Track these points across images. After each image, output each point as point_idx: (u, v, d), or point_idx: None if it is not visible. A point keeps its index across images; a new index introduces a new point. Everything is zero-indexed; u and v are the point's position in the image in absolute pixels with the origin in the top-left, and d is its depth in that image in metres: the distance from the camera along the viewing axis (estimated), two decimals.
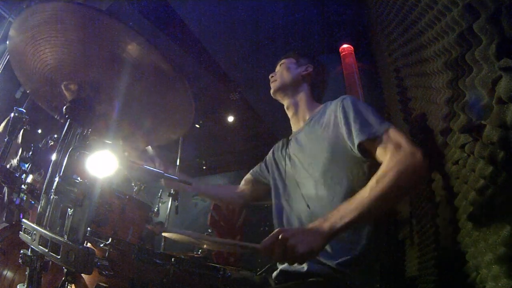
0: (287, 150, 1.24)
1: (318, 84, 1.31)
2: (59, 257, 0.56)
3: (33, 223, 0.65)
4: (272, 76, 1.32)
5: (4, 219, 1.43)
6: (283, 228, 0.76)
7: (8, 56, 2.19)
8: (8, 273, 1.29)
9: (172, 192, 2.63)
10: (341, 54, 3.01)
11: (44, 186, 0.71)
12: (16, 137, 1.46)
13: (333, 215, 0.78)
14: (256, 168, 1.46)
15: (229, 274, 0.92)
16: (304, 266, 0.95)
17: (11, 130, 1.41)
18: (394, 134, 0.90)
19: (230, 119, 4.80)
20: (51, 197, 0.65)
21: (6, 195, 1.45)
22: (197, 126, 4.36)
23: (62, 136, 0.74)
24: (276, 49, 3.38)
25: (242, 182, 1.50)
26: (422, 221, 1.19)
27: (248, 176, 1.49)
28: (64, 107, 0.74)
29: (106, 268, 0.79)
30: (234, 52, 3.67)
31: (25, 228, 0.67)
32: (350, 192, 0.89)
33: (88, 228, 0.92)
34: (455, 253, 0.81)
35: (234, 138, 5.28)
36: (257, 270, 1.17)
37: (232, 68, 3.94)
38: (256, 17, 3.23)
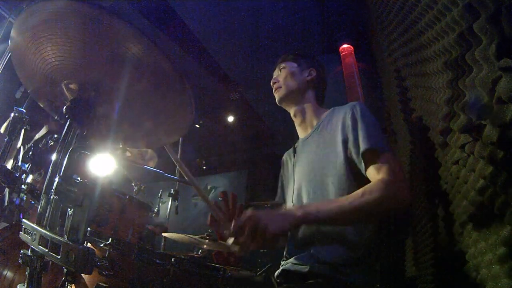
0: (295, 157, 1.25)
1: (321, 88, 1.30)
2: (59, 257, 0.56)
3: (33, 223, 0.65)
4: (275, 83, 1.26)
5: (4, 219, 1.43)
6: (254, 212, 0.80)
7: (8, 56, 2.20)
8: (8, 273, 1.29)
9: (172, 192, 2.63)
10: (341, 54, 3.01)
11: (44, 186, 0.71)
12: (16, 137, 1.46)
13: (311, 205, 0.87)
14: (279, 192, 1.39)
15: (229, 274, 0.92)
16: (306, 266, 0.95)
17: (11, 130, 1.41)
18: (393, 159, 0.93)
19: (230, 119, 4.79)
20: (51, 197, 0.65)
21: (6, 195, 1.45)
22: (197, 126, 4.36)
23: (62, 136, 0.74)
24: (276, 49, 3.38)
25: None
26: (422, 221, 1.19)
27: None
28: (64, 107, 0.74)
29: (106, 268, 0.79)
30: (234, 52, 3.67)
31: (25, 228, 0.67)
32: None
33: (88, 228, 0.92)
34: (455, 253, 0.81)
35: (234, 138, 5.28)
36: (257, 270, 1.17)
37: (232, 68, 3.94)
38: (256, 17, 3.22)
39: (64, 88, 0.80)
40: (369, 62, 2.87)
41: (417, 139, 1.24)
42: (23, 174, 1.43)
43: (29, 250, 0.65)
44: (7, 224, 1.39)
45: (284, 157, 1.37)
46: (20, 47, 0.76)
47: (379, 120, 1.07)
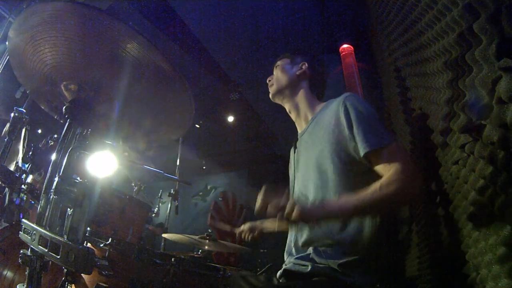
0: (295, 152, 1.25)
1: (316, 81, 1.29)
2: (59, 257, 0.56)
3: (33, 223, 0.65)
4: (269, 80, 1.31)
5: (4, 219, 1.43)
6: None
7: (8, 56, 2.19)
8: (8, 273, 1.29)
9: (172, 192, 2.63)
10: (341, 54, 3.00)
11: (44, 186, 0.71)
12: (16, 137, 1.46)
13: (332, 202, 0.89)
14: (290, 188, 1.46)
15: (229, 274, 0.92)
16: (307, 266, 0.95)
17: (11, 130, 1.41)
18: (398, 148, 0.93)
19: (230, 119, 4.79)
20: (51, 197, 0.65)
21: (7, 195, 1.45)
22: (197, 126, 4.36)
23: (62, 136, 0.74)
24: (276, 49, 3.38)
25: None
26: (422, 221, 1.19)
27: None
28: (64, 107, 0.74)
29: (106, 268, 0.79)
30: (234, 52, 3.67)
31: (25, 228, 0.67)
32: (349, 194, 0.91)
33: (88, 228, 0.92)
34: (455, 253, 0.81)
35: (234, 138, 5.28)
36: (257, 270, 1.17)
37: (232, 68, 3.94)
38: (256, 17, 3.22)
39: (64, 89, 0.80)
40: (369, 62, 2.87)
41: (417, 139, 1.24)
42: (23, 174, 1.43)
43: (29, 250, 0.65)
44: (7, 224, 1.39)
45: (290, 152, 1.38)
46: (19, 48, 0.75)
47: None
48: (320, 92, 1.31)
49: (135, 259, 0.82)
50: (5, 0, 2.75)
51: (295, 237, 1.10)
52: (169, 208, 2.80)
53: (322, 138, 1.08)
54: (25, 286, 0.65)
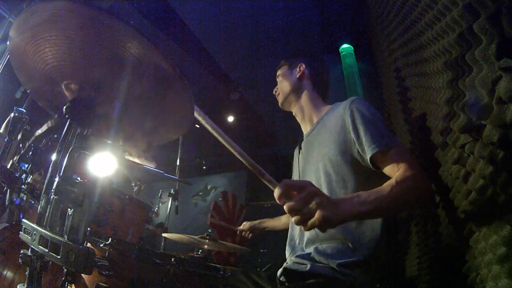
0: (300, 153, 1.25)
1: (317, 79, 1.30)
2: (59, 257, 0.56)
3: (33, 223, 0.65)
4: (275, 91, 1.35)
5: (4, 219, 1.43)
6: (313, 185, 0.70)
7: (8, 56, 2.19)
8: (8, 273, 1.29)
9: (172, 192, 2.63)
10: (341, 54, 3.01)
11: (44, 186, 0.71)
12: (16, 137, 1.46)
13: (352, 200, 0.76)
14: None
15: (229, 274, 0.92)
16: (307, 266, 0.95)
17: (11, 130, 1.41)
18: (405, 152, 0.93)
19: (230, 119, 4.79)
20: (51, 197, 0.65)
21: (7, 195, 1.45)
22: (197, 126, 4.36)
23: (62, 136, 0.74)
24: (276, 49, 3.38)
25: None
26: (422, 221, 1.19)
27: None
28: (64, 107, 0.74)
29: (106, 268, 0.79)
30: (234, 52, 3.67)
31: (25, 228, 0.67)
32: None
33: (88, 228, 0.92)
34: (455, 253, 0.81)
35: (234, 138, 5.27)
36: (257, 270, 1.17)
37: (232, 68, 3.94)
38: (256, 17, 3.22)
39: (64, 88, 0.80)
40: (369, 62, 2.87)
41: (417, 139, 1.24)
42: (23, 174, 1.43)
43: (29, 250, 0.65)
44: (7, 224, 1.39)
45: (294, 153, 1.39)
46: (19, 48, 0.75)
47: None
48: (321, 90, 1.31)
49: (135, 259, 0.82)
50: (5, 0, 2.75)
51: (298, 236, 1.10)
52: (169, 208, 2.80)
53: (327, 141, 1.08)
54: (25, 286, 0.65)
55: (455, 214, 0.83)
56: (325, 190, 1.02)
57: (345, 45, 2.99)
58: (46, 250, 0.58)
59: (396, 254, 1.43)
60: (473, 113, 0.64)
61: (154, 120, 0.95)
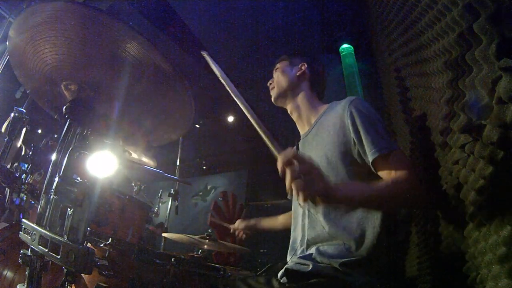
0: None
1: (316, 81, 1.30)
2: (59, 257, 0.56)
3: (33, 223, 0.65)
4: (270, 84, 1.32)
5: (4, 219, 1.43)
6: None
7: (8, 56, 2.19)
8: (8, 273, 1.29)
9: (172, 192, 2.63)
10: (341, 54, 3.01)
11: (44, 186, 0.71)
12: (16, 137, 1.46)
13: (349, 184, 0.83)
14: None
15: (229, 274, 0.92)
16: (308, 266, 0.95)
17: (11, 130, 1.41)
18: (403, 156, 0.94)
19: (230, 119, 4.79)
20: (51, 197, 0.65)
21: (7, 195, 1.45)
22: (197, 126, 4.36)
23: (62, 136, 0.74)
24: (276, 49, 3.38)
25: None
26: (422, 221, 1.19)
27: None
28: (64, 107, 0.74)
29: (106, 268, 0.79)
30: (234, 52, 3.67)
31: (25, 228, 0.67)
32: None
33: (88, 228, 0.92)
34: (455, 253, 0.81)
35: (234, 138, 5.28)
36: (257, 270, 1.17)
37: (232, 68, 3.94)
38: (256, 17, 3.22)
39: (64, 89, 0.80)
40: (369, 62, 2.87)
41: (417, 139, 1.24)
42: (23, 174, 1.43)
43: (29, 250, 0.65)
44: (7, 224, 1.39)
45: None
46: (19, 48, 0.76)
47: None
48: (320, 92, 1.31)
49: (135, 259, 0.82)
50: (5, 0, 2.75)
51: (300, 236, 1.10)
52: (169, 208, 2.80)
53: (326, 141, 1.08)
54: (25, 286, 0.65)
55: (455, 214, 0.83)
56: None
57: (345, 45, 2.99)
58: (46, 250, 0.58)
59: (396, 254, 1.43)
60: (473, 113, 0.64)
61: (154, 120, 0.95)
